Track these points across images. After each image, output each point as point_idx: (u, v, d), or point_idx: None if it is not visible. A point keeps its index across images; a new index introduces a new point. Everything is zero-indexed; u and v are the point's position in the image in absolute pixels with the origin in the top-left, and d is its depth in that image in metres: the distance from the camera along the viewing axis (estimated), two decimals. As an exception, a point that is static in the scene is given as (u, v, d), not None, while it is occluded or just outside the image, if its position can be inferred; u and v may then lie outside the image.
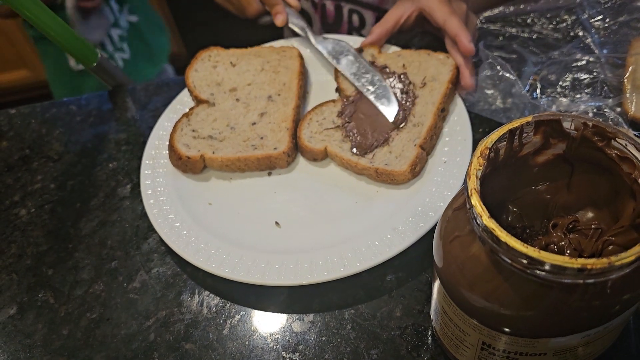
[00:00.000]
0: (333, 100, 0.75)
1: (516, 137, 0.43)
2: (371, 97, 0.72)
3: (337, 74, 0.77)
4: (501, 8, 0.83)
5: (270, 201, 0.68)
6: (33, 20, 0.77)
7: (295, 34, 0.84)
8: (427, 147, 0.67)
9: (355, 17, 0.93)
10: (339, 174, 0.70)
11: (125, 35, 1.50)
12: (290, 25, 0.82)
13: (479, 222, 0.36)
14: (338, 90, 0.76)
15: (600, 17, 0.78)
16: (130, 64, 1.52)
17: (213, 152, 0.70)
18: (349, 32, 0.96)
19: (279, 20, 0.81)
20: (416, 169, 0.65)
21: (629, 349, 0.52)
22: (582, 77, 0.73)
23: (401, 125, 0.69)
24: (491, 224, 0.36)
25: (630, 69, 0.70)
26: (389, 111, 0.71)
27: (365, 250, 0.59)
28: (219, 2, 0.92)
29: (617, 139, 0.40)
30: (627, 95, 0.68)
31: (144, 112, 0.84)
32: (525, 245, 0.34)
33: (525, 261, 0.35)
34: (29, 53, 2.09)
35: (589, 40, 0.77)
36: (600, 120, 0.41)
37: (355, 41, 0.81)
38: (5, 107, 0.89)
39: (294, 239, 0.64)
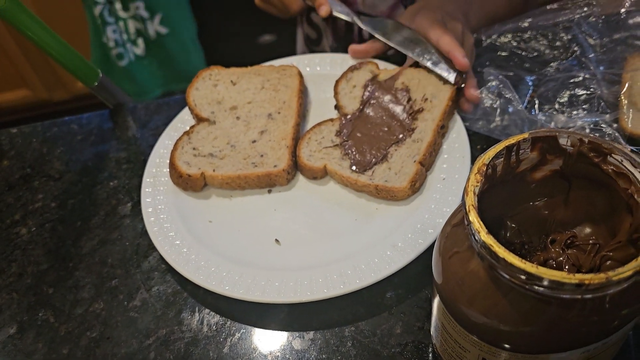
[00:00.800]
0: (331, 120, 0.75)
1: (513, 153, 0.43)
2: (428, 64, 0.74)
3: (336, 90, 0.78)
4: (498, 25, 0.84)
5: (270, 219, 0.69)
6: (34, 39, 0.77)
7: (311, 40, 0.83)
8: (427, 163, 0.68)
9: (365, 31, 0.95)
10: (338, 191, 0.70)
11: (148, 37, 1.45)
12: (335, 14, 0.83)
13: (477, 238, 0.36)
14: (337, 107, 0.77)
15: (597, 34, 0.79)
16: (141, 64, 1.48)
17: (213, 170, 0.70)
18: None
19: (323, 11, 0.82)
20: (416, 185, 0.66)
21: (630, 364, 0.52)
22: (579, 94, 0.74)
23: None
24: (489, 240, 0.36)
25: (626, 85, 0.71)
26: (449, 74, 0.73)
27: (365, 268, 0.59)
28: (260, 6, 0.93)
29: (613, 154, 0.41)
30: (624, 110, 0.69)
31: (144, 130, 0.85)
32: (523, 261, 0.34)
33: (523, 277, 0.35)
34: (29, 72, 2.10)
35: (585, 57, 0.77)
36: (597, 136, 0.42)
37: None
38: (6, 127, 0.90)
39: (293, 256, 0.64)
